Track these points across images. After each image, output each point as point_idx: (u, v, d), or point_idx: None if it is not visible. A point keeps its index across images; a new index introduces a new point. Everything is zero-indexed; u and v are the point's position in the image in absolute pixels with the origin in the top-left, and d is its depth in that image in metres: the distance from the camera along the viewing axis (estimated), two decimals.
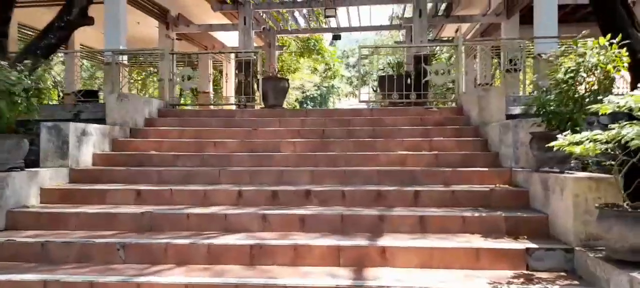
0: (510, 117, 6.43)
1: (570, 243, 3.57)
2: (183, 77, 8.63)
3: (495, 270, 3.55)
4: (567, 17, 11.97)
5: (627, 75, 5.38)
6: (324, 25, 15.28)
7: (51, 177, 5.12)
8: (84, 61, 19.01)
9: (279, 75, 11.02)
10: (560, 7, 9.16)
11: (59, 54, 12.46)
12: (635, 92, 3.03)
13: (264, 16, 13.29)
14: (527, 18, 10.27)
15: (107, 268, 3.70)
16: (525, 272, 3.52)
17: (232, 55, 14.32)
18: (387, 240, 3.85)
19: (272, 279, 3.40)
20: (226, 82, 15.28)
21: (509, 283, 3.24)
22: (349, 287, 3.24)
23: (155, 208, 4.55)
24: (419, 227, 4.12)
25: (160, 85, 8.53)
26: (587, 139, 3.15)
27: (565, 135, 3.37)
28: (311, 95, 31.84)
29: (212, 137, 6.49)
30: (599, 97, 3.91)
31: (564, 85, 4.17)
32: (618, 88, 8.12)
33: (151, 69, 10.09)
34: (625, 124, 2.95)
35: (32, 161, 5.56)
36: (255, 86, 9.54)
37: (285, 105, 10.78)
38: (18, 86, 4.31)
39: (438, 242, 3.79)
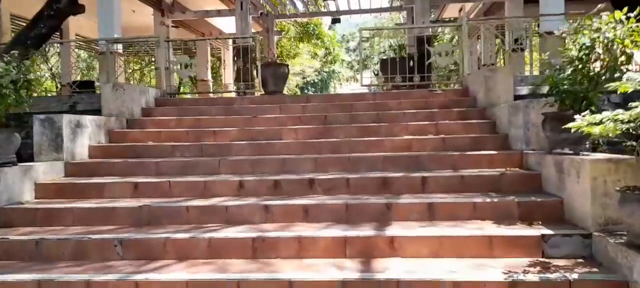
0: (517, 97, 6.22)
1: (588, 229, 3.40)
2: (180, 65, 8.41)
3: (509, 258, 3.39)
4: None
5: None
6: (322, 9, 14.97)
7: (46, 171, 4.95)
8: (81, 52, 18.81)
9: (278, 61, 10.81)
10: None
11: (56, 45, 12.30)
12: None
13: (261, 1, 13.00)
14: None
15: (104, 265, 3.55)
16: (541, 259, 3.35)
17: (230, 42, 14.06)
18: (395, 229, 3.68)
19: (276, 274, 3.25)
20: (224, 69, 15.05)
21: (525, 272, 3.08)
22: (357, 280, 3.09)
23: (154, 201, 4.40)
24: (428, 214, 3.96)
25: (157, 74, 8.33)
26: (608, 119, 2.95)
27: (583, 116, 3.17)
28: (312, 81, 31.52)
29: (211, 126, 6.31)
30: (616, 75, 3.70)
31: (579, 62, 3.96)
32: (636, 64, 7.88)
33: (149, 58, 9.89)
34: None
35: (30, 155, 5.41)
36: (255, 73, 9.33)
37: (285, 92, 10.58)
38: (5, 78, 4.13)
39: (448, 230, 3.62)
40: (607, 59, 3.89)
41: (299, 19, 17.43)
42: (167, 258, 3.63)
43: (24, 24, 12.13)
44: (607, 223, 3.35)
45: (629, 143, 3.25)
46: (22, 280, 3.30)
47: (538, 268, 3.15)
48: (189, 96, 10.47)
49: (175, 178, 4.85)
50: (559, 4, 8.17)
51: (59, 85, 10.83)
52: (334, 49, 25.11)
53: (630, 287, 2.83)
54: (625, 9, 3.73)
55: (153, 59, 9.09)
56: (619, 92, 3.17)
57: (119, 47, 8.72)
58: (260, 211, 4.10)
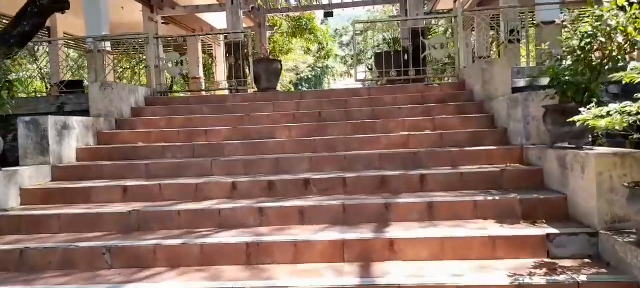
0: (515, 90, 6.10)
1: (594, 226, 3.28)
2: (170, 62, 8.22)
3: (513, 259, 3.27)
4: None
5: None
6: (315, 3, 14.78)
7: (31, 176, 4.78)
8: (71, 52, 18.49)
9: (271, 57, 10.62)
10: None
11: (45, 44, 12.05)
12: None
13: None
14: None
15: (92, 275, 3.40)
16: (547, 260, 3.23)
17: (222, 38, 13.84)
18: (395, 231, 3.55)
19: (272, 281, 3.11)
20: (216, 66, 14.83)
21: (531, 274, 2.96)
22: (356, 287, 2.95)
23: (144, 205, 4.24)
24: (428, 214, 3.83)
25: (147, 73, 8.14)
26: (616, 111, 2.83)
27: (589, 108, 3.05)
28: (306, 77, 31.32)
29: (203, 125, 6.15)
30: (620, 65, 3.58)
31: (580, 52, 3.83)
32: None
33: (138, 56, 9.69)
34: None
35: (17, 159, 5.23)
36: (247, 69, 9.15)
37: (279, 88, 10.41)
38: None
39: (450, 231, 3.49)
40: (609, 48, 3.77)
41: (291, 14, 17.21)
42: (158, 266, 3.48)
43: None
44: (614, 221, 3.23)
45: (635, 136, 3.13)
46: None
47: (544, 269, 3.03)
48: (180, 95, 10.26)
49: (166, 180, 4.69)
50: None
51: (48, 86, 10.61)
52: (327, 44, 24.88)
53: None
54: None
55: (144, 57, 8.89)
56: (624, 83, 3.05)
57: (108, 46, 8.50)
58: (255, 214, 3.95)
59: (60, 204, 4.49)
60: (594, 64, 3.82)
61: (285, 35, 20.21)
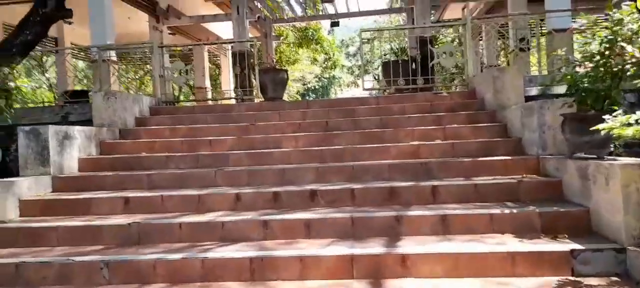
0: (527, 99, 5.92)
1: (621, 242, 3.07)
2: (175, 71, 8.12)
3: (534, 277, 3.06)
4: None
5: None
6: (321, 13, 14.71)
7: (31, 186, 4.65)
8: (79, 62, 18.56)
9: (277, 66, 10.52)
10: None
11: (52, 55, 12.06)
12: None
13: (258, 5, 12.73)
14: None
15: None
16: (571, 278, 3.03)
17: (229, 48, 13.79)
18: (407, 246, 3.37)
19: None
20: (220, 75, 14.76)
21: None
22: None
23: (145, 217, 4.08)
24: (441, 227, 3.64)
25: (153, 82, 8.05)
26: None
27: (615, 116, 2.86)
28: (312, 87, 31.29)
29: (208, 135, 6.01)
30: None
31: (600, 57, 3.65)
32: None
33: (147, 66, 9.64)
34: None
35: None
36: (253, 79, 9.05)
37: (286, 98, 10.29)
38: None
39: (465, 246, 3.30)
40: (630, 53, 3.58)
41: (297, 24, 17.16)
42: (157, 282, 3.32)
43: None
44: None
45: None
46: None
47: None
48: (185, 104, 10.17)
49: (169, 191, 4.54)
50: (565, 0, 7.88)
51: (56, 96, 10.59)
52: (333, 54, 24.83)
53: None
54: None
55: (151, 68, 8.81)
56: None
57: (113, 55, 8.43)
58: (259, 227, 3.78)
59: (60, 216, 4.35)
60: (615, 69, 3.64)
61: (291, 45, 20.18)
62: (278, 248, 3.50)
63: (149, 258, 3.40)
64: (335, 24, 15.25)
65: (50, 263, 3.45)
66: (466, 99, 6.70)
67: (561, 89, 6.88)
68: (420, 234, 3.63)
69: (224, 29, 14.84)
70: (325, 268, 3.25)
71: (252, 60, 9.21)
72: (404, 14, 14.56)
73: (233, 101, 9.67)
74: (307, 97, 29.47)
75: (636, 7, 3.52)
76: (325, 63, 25.67)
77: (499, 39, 10.84)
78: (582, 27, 3.98)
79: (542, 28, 8.44)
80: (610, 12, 3.68)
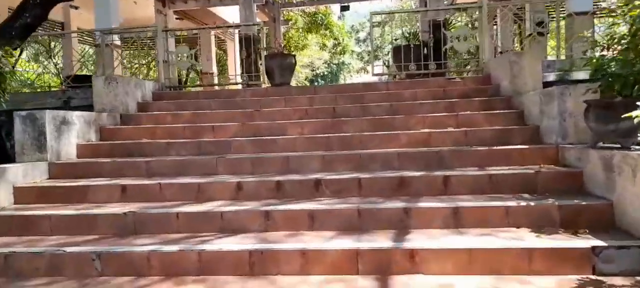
0: (545, 84, 5.62)
1: None
2: (179, 56, 7.92)
3: (553, 275, 2.84)
4: None
5: None
6: None
7: (26, 173, 4.50)
8: (86, 47, 18.44)
9: (284, 51, 10.26)
10: None
11: (61, 40, 11.94)
12: None
13: None
14: None
15: (79, 284, 3.09)
16: (592, 277, 2.80)
17: (236, 33, 13.54)
18: (416, 240, 3.15)
19: None
20: (230, 61, 14.54)
21: None
22: None
23: (141, 206, 3.91)
24: (453, 220, 3.41)
25: (157, 67, 7.86)
26: None
27: None
28: (321, 73, 30.93)
29: (211, 121, 5.82)
30: None
31: (630, 40, 3.36)
32: None
33: (148, 50, 9.45)
34: None
35: None
36: (260, 64, 8.81)
37: (293, 84, 10.05)
38: None
39: (479, 241, 3.08)
40: None
41: (306, 9, 16.82)
42: (151, 275, 3.16)
43: None
44: None
45: None
46: None
47: None
48: (190, 89, 9.95)
49: (168, 179, 4.36)
50: None
51: (63, 81, 10.47)
52: (343, 40, 24.43)
53: None
54: None
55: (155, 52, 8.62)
56: None
57: (116, 39, 8.26)
58: (260, 217, 3.59)
59: (55, 204, 4.20)
60: None
61: (300, 30, 19.84)
62: (280, 240, 3.31)
63: (143, 249, 3.24)
64: (345, 8, 14.91)
65: (42, 253, 3.31)
66: (480, 84, 6.41)
67: (581, 75, 6.58)
68: (430, 227, 3.41)
69: (232, 14, 14.55)
70: (328, 263, 3.06)
71: (258, 44, 8.96)
72: None
73: (239, 87, 9.47)
74: (315, 83, 29.16)
75: None
76: (335, 49, 25.28)
77: (515, 23, 10.46)
78: (611, 6, 3.67)
79: (562, 11, 8.06)
80: None
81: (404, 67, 7.51)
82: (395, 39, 9.47)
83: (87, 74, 10.05)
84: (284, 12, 15.30)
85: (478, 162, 4.35)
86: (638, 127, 3.21)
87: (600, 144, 3.69)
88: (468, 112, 5.38)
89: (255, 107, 6.20)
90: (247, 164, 4.64)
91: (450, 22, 13.81)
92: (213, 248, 3.20)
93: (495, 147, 4.49)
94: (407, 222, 3.45)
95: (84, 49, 17.45)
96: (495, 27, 13.12)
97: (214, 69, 13.90)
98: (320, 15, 19.40)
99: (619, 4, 3.59)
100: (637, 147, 3.44)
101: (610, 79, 3.50)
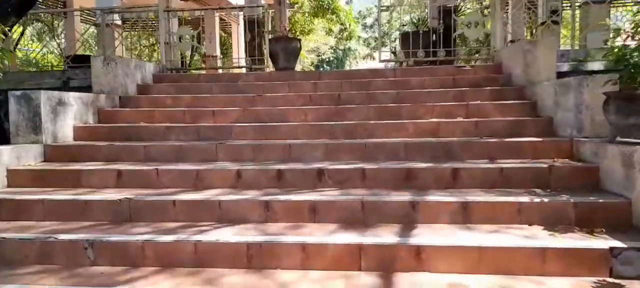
0: (558, 75, 5.41)
1: None
2: (181, 37, 7.73)
3: (567, 277, 2.69)
4: None
5: None
6: None
7: (20, 155, 4.36)
8: (90, 28, 18.23)
9: (289, 35, 10.04)
10: None
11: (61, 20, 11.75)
12: None
13: None
14: None
15: (69, 273, 2.97)
16: (609, 280, 2.64)
17: (241, 16, 13.31)
18: (422, 235, 3.00)
19: None
20: (234, 44, 14.31)
21: None
22: None
23: (137, 193, 3.77)
24: (462, 216, 3.25)
25: (160, 48, 7.68)
26: None
27: None
28: (327, 59, 30.63)
29: (212, 105, 5.65)
30: None
31: None
32: None
33: (150, 32, 9.26)
34: None
35: None
36: (264, 47, 8.61)
37: (298, 69, 9.84)
38: None
39: (489, 238, 2.92)
40: None
41: None
42: (145, 265, 3.02)
43: None
44: None
45: None
46: None
47: None
48: (192, 72, 9.76)
49: (165, 165, 4.21)
50: None
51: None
52: (350, 25, 24.06)
53: None
54: None
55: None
56: None
57: (117, 19, 8.07)
58: (259, 208, 3.44)
59: (49, 188, 4.06)
60: None
61: (306, 14, 19.52)
62: (279, 232, 3.16)
63: (138, 239, 3.10)
64: None
65: (33, 240, 3.18)
66: (491, 73, 6.20)
67: (596, 66, 6.35)
68: (438, 222, 3.25)
69: None
70: (330, 257, 2.91)
71: (263, 28, 8.74)
72: None
73: (243, 70, 9.28)
74: (320, 69, 28.87)
75: None
76: (341, 34, 24.92)
77: (527, 10, 10.16)
78: None
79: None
80: None
81: (412, 54, 7.29)
82: (403, 25, 9.23)
83: (88, 54, 9.87)
84: None
85: (488, 154, 4.17)
86: None
87: (619, 139, 3.50)
88: (478, 102, 5.18)
89: (257, 91, 6.02)
90: (248, 151, 4.48)
91: (460, 9, 13.50)
92: (210, 239, 3.06)
93: (506, 139, 4.31)
94: (413, 216, 3.29)
95: (87, 28, 17.29)
96: (505, 15, 12.81)
97: (218, 52, 13.68)
98: None
99: None
100: None
101: (632, 70, 3.30)
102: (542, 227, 3.10)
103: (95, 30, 18.53)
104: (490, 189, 3.62)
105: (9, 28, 4.90)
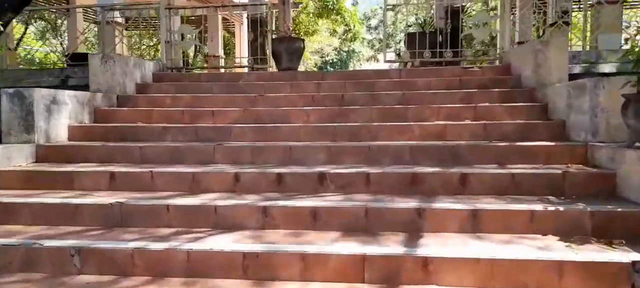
0: (570, 77, 5.21)
1: None
2: (183, 36, 7.57)
3: None
4: None
5: None
6: None
7: (11, 155, 4.22)
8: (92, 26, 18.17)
9: (293, 35, 9.88)
10: None
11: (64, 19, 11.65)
12: None
13: None
14: None
15: (54, 282, 2.79)
16: None
17: (245, 16, 13.13)
18: (430, 245, 2.81)
19: None
20: (237, 44, 14.17)
21: None
22: None
23: (130, 196, 3.60)
24: (472, 224, 3.06)
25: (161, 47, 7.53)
26: None
27: None
28: (331, 60, 30.44)
29: (211, 105, 5.48)
30: None
31: None
32: None
33: (151, 30, 9.12)
34: None
35: None
36: (267, 47, 8.44)
37: (301, 70, 9.68)
38: None
39: (501, 249, 2.73)
40: None
41: None
42: (135, 275, 2.85)
43: None
44: None
45: None
46: None
47: None
48: (193, 71, 9.60)
49: (161, 167, 4.04)
50: None
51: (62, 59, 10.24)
52: (354, 26, 23.88)
53: None
54: None
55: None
56: None
57: (118, 17, 7.93)
58: (258, 213, 3.26)
59: (40, 190, 3.91)
60: None
61: (311, 15, 19.36)
62: (278, 240, 2.99)
63: (127, 246, 2.92)
64: None
65: (17, 246, 3.01)
66: (499, 74, 6.01)
67: (607, 68, 6.15)
68: (446, 231, 3.07)
69: None
70: (332, 268, 2.73)
71: (266, 27, 8.57)
72: None
73: (245, 70, 9.12)
74: (324, 70, 28.71)
75: None
76: (345, 35, 24.74)
77: (535, 11, 9.96)
78: None
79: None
80: None
81: (418, 54, 7.11)
82: (409, 26, 9.05)
83: (86, 52, 9.73)
84: None
85: (498, 158, 3.98)
86: None
87: (639, 144, 3.30)
88: (487, 104, 4.99)
89: (258, 91, 5.85)
90: (247, 153, 4.31)
91: (466, 10, 13.32)
92: (204, 247, 2.88)
93: (517, 143, 4.11)
94: (419, 224, 3.11)
95: (88, 26, 17.22)
96: (512, 16, 12.59)
97: (221, 52, 13.53)
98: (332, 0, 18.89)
99: None
100: None
101: None
102: (558, 238, 2.91)
103: (97, 28, 18.45)
104: (501, 196, 3.43)
105: (2, 24, 4.73)
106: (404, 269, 2.67)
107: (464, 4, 8.77)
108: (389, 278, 2.67)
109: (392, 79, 6.06)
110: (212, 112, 5.25)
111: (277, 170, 3.80)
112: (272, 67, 8.30)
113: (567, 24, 6.68)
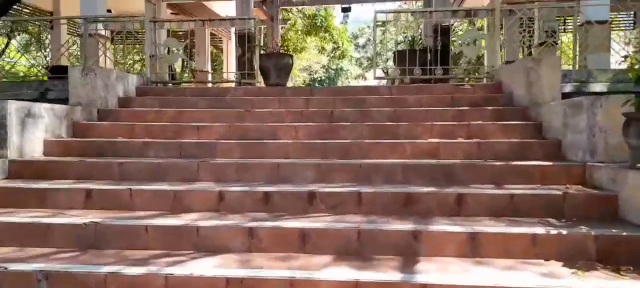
0: (562, 96, 5.15)
1: None
2: (169, 49, 7.38)
3: None
4: None
5: None
6: None
7: None
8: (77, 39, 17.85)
9: (281, 51, 9.76)
10: None
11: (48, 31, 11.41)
12: None
13: None
14: None
15: None
16: None
17: (233, 32, 13.00)
18: (428, 272, 2.63)
19: None
20: (226, 59, 14.01)
21: None
22: None
23: (106, 216, 3.37)
24: (470, 248, 2.90)
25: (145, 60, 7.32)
26: None
27: None
28: (319, 77, 30.42)
29: (196, 120, 5.28)
30: None
31: None
32: None
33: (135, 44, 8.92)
34: None
35: None
36: (255, 63, 8.29)
37: (290, 85, 9.53)
38: None
39: (505, 276, 2.56)
40: None
41: (306, 9, 16.32)
42: None
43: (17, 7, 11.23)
44: None
45: None
46: None
47: None
48: (180, 86, 9.38)
49: (141, 185, 3.81)
50: None
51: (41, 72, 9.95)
52: (342, 44, 23.92)
53: None
54: None
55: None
56: None
57: (102, 29, 7.71)
58: (243, 235, 3.06)
59: (9, 208, 3.65)
60: None
61: (299, 32, 19.33)
62: (264, 265, 2.78)
63: (100, 271, 2.69)
64: (346, 10, 14.41)
65: None
66: (490, 92, 5.93)
67: (598, 87, 6.12)
68: (444, 255, 2.89)
69: (228, 11, 14.03)
70: None
71: (254, 42, 8.44)
72: (419, 3, 13.72)
73: (233, 85, 8.94)
74: (312, 86, 28.63)
75: None
76: (334, 52, 24.78)
77: (523, 32, 10.02)
78: None
79: (569, 21, 7.61)
80: None
81: (408, 71, 7.02)
82: (398, 43, 9.00)
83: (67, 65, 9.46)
84: (283, 12, 14.80)
85: (494, 178, 3.85)
86: None
87: None
88: (479, 122, 4.88)
89: (246, 106, 5.67)
90: (233, 170, 4.11)
91: (453, 30, 13.39)
92: (184, 272, 2.66)
93: (512, 162, 3.99)
94: (415, 247, 2.93)
95: (73, 39, 16.90)
96: (501, 35, 12.68)
97: (208, 67, 13.34)
98: (320, 17, 18.91)
99: None
100: None
101: None
102: (562, 263, 2.76)
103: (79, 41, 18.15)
104: (499, 217, 3.28)
105: None
106: None
107: (452, 22, 8.76)
108: None
109: (383, 95, 5.94)
110: (197, 127, 5.04)
111: (264, 189, 3.60)
112: (260, 82, 8.14)
113: (555, 43, 6.67)
